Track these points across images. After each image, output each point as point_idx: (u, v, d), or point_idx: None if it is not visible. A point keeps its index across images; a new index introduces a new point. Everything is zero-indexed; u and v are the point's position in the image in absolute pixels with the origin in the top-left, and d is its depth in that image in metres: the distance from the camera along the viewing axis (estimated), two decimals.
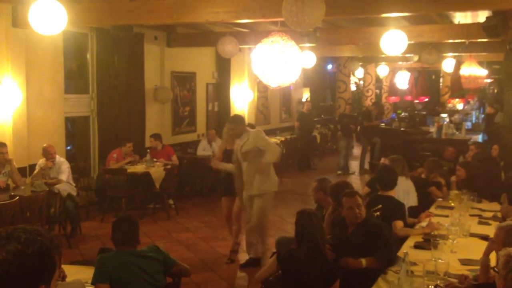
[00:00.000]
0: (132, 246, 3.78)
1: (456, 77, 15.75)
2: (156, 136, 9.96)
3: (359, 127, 15.76)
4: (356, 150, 17.19)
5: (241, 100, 14.24)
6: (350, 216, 4.40)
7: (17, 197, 6.35)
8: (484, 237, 4.95)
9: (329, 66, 20.04)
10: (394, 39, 7.96)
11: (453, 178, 7.34)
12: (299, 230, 3.96)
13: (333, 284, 3.79)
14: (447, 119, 15.83)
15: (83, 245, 7.66)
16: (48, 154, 7.72)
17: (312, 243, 3.86)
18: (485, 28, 7.73)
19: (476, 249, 4.33)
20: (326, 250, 4.02)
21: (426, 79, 23.24)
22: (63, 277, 3.47)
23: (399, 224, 5.10)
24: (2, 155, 7.23)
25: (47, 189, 7.11)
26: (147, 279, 3.70)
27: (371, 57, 17.13)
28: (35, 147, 8.05)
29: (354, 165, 14.85)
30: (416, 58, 15.10)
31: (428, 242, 4.55)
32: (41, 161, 7.77)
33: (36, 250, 1.59)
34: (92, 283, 3.59)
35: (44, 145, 7.80)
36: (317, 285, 3.77)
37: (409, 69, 20.43)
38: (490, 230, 5.16)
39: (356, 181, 12.57)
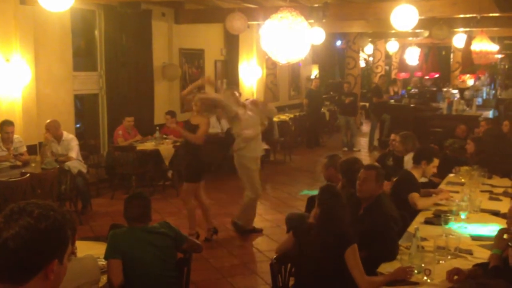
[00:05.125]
0: (144, 222, 3.81)
1: (467, 52, 15.54)
2: (172, 113, 9.65)
3: (368, 104, 15.61)
4: (365, 127, 17.13)
5: (250, 77, 14.16)
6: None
7: (28, 174, 6.39)
8: (495, 213, 4.95)
9: (338, 43, 19.85)
10: (404, 14, 7.83)
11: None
12: (320, 207, 3.85)
13: (348, 247, 3.59)
14: (458, 95, 15.67)
15: (93, 221, 7.72)
16: (47, 128, 7.70)
17: (333, 220, 3.77)
18: (497, 2, 7.61)
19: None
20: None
21: (437, 55, 23.00)
22: (75, 254, 3.49)
23: (415, 195, 5.07)
24: (7, 135, 7.17)
25: (58, 166, 7.13)
26: (158, 255, 3.73)
27: (380, 33, 16.95)
28: (45, 124, 8.06)
29: (363, 142, 14.80)
30: (426, 33, 14.93)
31: (439, 218, 4.53)
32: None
33: (49, 225, 1.58)
34: (105, 258, 3.63)
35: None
36: (332, 255, 3.65)
37: (419, 45, 20.20)
38: (501, 206, 5.15)
39: (365, 158, 12.54)
